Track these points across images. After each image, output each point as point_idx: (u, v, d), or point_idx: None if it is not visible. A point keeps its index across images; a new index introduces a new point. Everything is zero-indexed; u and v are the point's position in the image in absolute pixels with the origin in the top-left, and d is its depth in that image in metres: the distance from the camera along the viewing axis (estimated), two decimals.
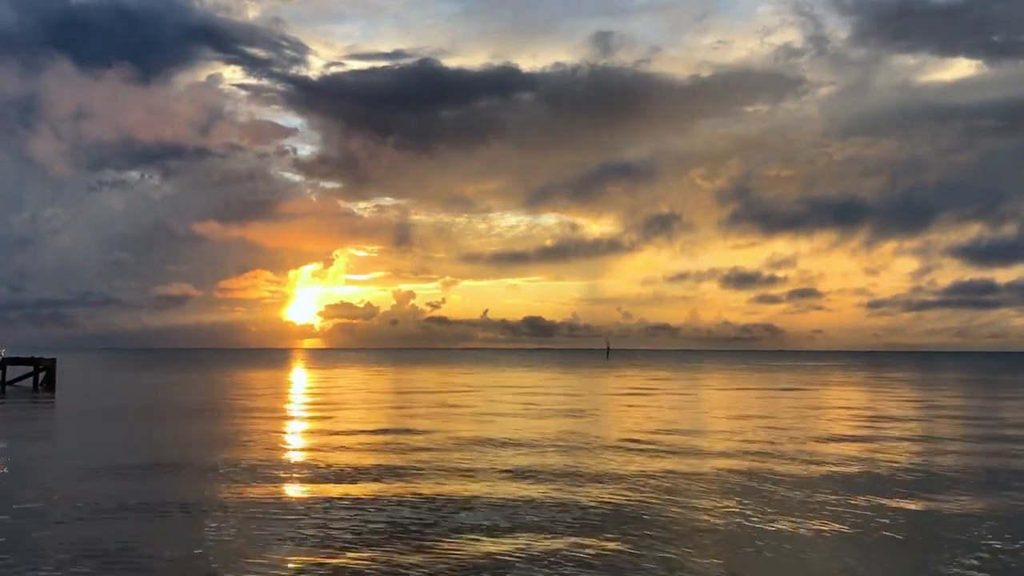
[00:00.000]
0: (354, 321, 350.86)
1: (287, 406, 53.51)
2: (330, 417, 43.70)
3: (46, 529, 17.24)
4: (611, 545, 15.99)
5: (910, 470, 25.78)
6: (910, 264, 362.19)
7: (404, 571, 14.32)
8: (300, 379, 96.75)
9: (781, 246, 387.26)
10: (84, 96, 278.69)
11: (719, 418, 44.43)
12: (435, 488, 21.91)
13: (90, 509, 19.06)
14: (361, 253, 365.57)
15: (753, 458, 27.76)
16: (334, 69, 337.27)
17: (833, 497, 20.88)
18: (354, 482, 22.93)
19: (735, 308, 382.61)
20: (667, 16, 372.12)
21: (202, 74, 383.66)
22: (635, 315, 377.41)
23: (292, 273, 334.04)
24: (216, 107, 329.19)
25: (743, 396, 63.95)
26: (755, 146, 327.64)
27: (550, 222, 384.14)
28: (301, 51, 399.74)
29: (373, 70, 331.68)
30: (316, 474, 24.33)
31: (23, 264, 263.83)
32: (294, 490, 21.88)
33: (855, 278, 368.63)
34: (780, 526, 17.63)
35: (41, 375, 65.52)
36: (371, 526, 17.52)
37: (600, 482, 22.97)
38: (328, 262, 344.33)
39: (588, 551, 15.56)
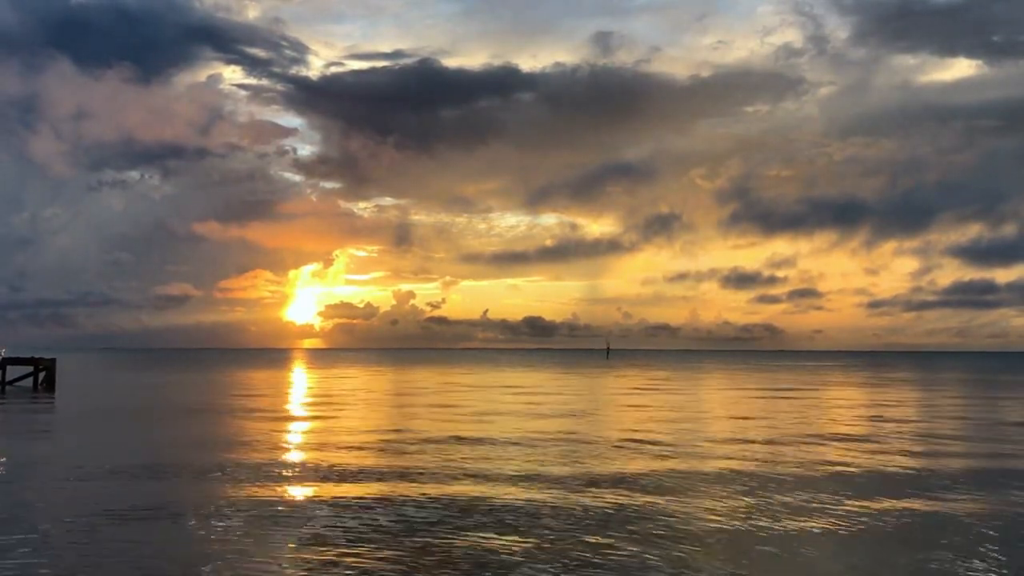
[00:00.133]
0: (354, 321, 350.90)
1: (287, 407, 53.48)
2: (330, 418, 43.67)
3: (45, 529, 17.21)
4: (615, 545, 15.97)
5: (911, 470, 25.77)
6: (910, 264, 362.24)
7: (408, 572, 14.31)
8: (300, 379, 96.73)
9: (781, 246, 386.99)
10: (84, 96, 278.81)
11: (720, 418, 44.43)
12: (436, 489, 21.89)
13: (89, 510, 19.02)
14: (361, 253, 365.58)
15: (755, 458, 27.74)
16: (334, 69, 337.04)
17: (835, 497, 20.86)
18: (355, 483, 22.92)
19: (735, 308, 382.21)
20: (667, 16, 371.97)
21: (202, 74, 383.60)
22: (635, 315, 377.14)
23: (292, 273, 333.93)
24: (216, 107, 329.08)
25: (743, 396, 63.93)
26: (755, 146, 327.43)
27: (550, 222, 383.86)
28: (301, 51, 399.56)
29: (373, 70, 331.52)
30: (317, 475, 24.30)
31: (23, 264, 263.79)
32: (294, 491, 21.86)
33: (855, 278, 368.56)
34: (784, 526, 17.61)
35: (41, 375, 65.48)
36: (372, 527, 17.50)
37: (602, 482, 22.94)
38: (328, 262, 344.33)
39: (592, 551, 15.55)
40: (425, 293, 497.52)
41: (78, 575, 14.15)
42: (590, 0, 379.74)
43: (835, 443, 32.48)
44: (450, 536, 16.66)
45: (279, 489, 21.98)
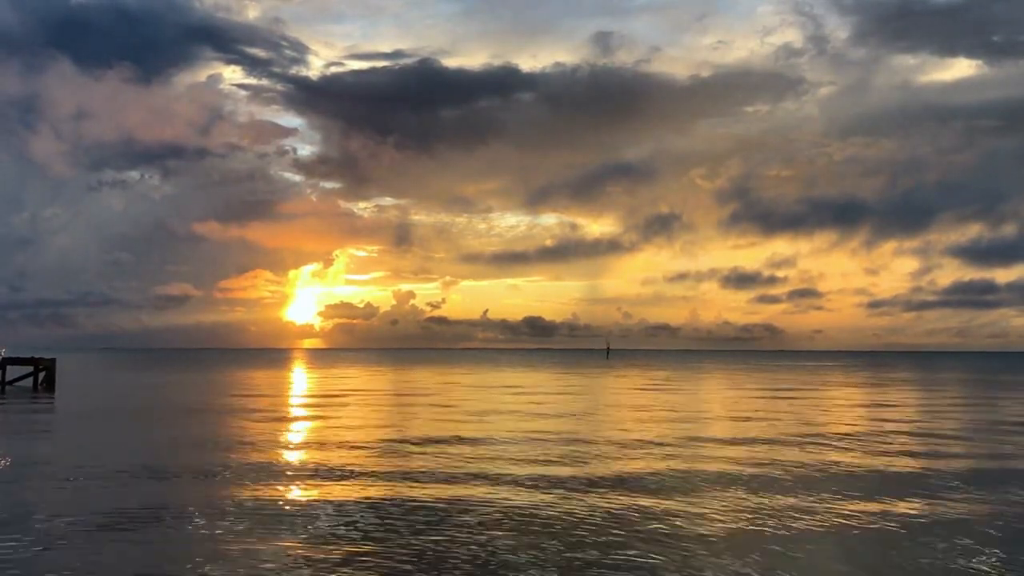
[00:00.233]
0: (354, 321, 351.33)
1: (287, 407, 53.46)
2: (330, 418, 43.66)
3: (45, 530, 17.20)
4: (617, 545, 15.96)
5: (912, 470, 25.76)
6: (910, 264, 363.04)
7: (409, 572, 14.30)
8: (300, 379, 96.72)
9: (781, 246, 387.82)
10: (84, 96, 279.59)
11: (721, 418, 44.41)
12: (437, 489, 21.88)
13: (89, 510, 19.00)
14: (361, 253, 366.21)
15: (756, 458, 27.71)
16: (334, 69, 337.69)
17: (837, 497, 20.85)
18: (356, 484, 22.90)
19: (735, 308, 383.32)
20: (667, 16, 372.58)
21: (202, 74, 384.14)
22: (635, 315, 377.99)
23: (292, 273, 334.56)
24: (216, 107, 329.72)
25: (744, 396, 63.90)
26: (755, 146, 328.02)
27: (550, 222, 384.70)
28: (301, 51, 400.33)
29: (373, 70, 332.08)
30: (317, 475, 24.29)
31: (23, 264, 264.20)
32: (295, 492, 21.83)
33: (855, 278, 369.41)
34: (786, 525, 17.60)
35: (41, 375, 65.47)
36: (373, 527, 17.49)
37: (603, 482, 22.92)
38: (328, 262, 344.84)
39: (593, 551, 15.54)
40: (425, 293, 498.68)
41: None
42: (590, 0, 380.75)
43: (836, 443, 32.46)
44: (451, 536, 16.65)
45: (279, 489, 21.96)
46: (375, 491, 21.56)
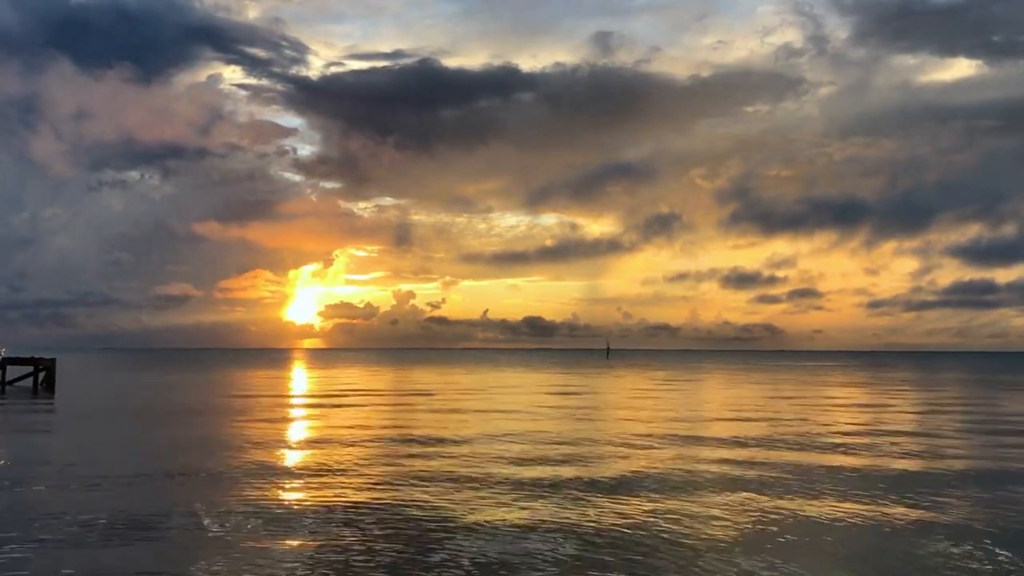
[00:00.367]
0: (354, 321, 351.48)
1: (287, 407, 53.47)
2: (330, 418, 43.67)
3: (44, 530, 17.19)
4: (619, 545, 15.97)
5: (912, 470, 25.76)
6: (910, 264, 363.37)
7: (410, 573, 14.30)
8: (300, 380, 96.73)
9: (781, 246, 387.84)
10: (84, 96, 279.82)
11: (721, 418, 44.41)
12: (438, 489, 21.87)
13: (89, 510, 19.00)
14: (361, 253, 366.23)
15: (756, 458, 27.70)
16: (334, 69, 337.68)
17: (837, 497, 20.86)
18: (357, 484, 22.89)
19: (735, 308, 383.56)
20: (667, 16, 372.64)
21: (202, 74, 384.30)
22: (635, 315, 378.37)
23: (292, 273, 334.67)
24: (216, 107, 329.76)
25: (744, 396, 63.92)
26: (755, 146, 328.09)
27: (550, 222, 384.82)
28: (301, 51, 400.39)
29: (373, 70, 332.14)
30: (318, 476, 24.29)
31: (23, 264, 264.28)
32: (295, 492, 21.83)
33: (855, 278, 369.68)
34: (787, 525, 17.60)
35: (41, 375, 65.45)
36: (374, 528, 17.49)
37: (604, 481, 22.92)
38: (328, 262, 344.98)
39: (595, 551, 15.54)
40: (425, 293, 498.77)
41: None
42: (590, 0, 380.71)
43: (836, 443, 32.45)
44: (452, 537, 16.65)
45: (279, 490, 21.96)
46: (376, 491, 21.54)
